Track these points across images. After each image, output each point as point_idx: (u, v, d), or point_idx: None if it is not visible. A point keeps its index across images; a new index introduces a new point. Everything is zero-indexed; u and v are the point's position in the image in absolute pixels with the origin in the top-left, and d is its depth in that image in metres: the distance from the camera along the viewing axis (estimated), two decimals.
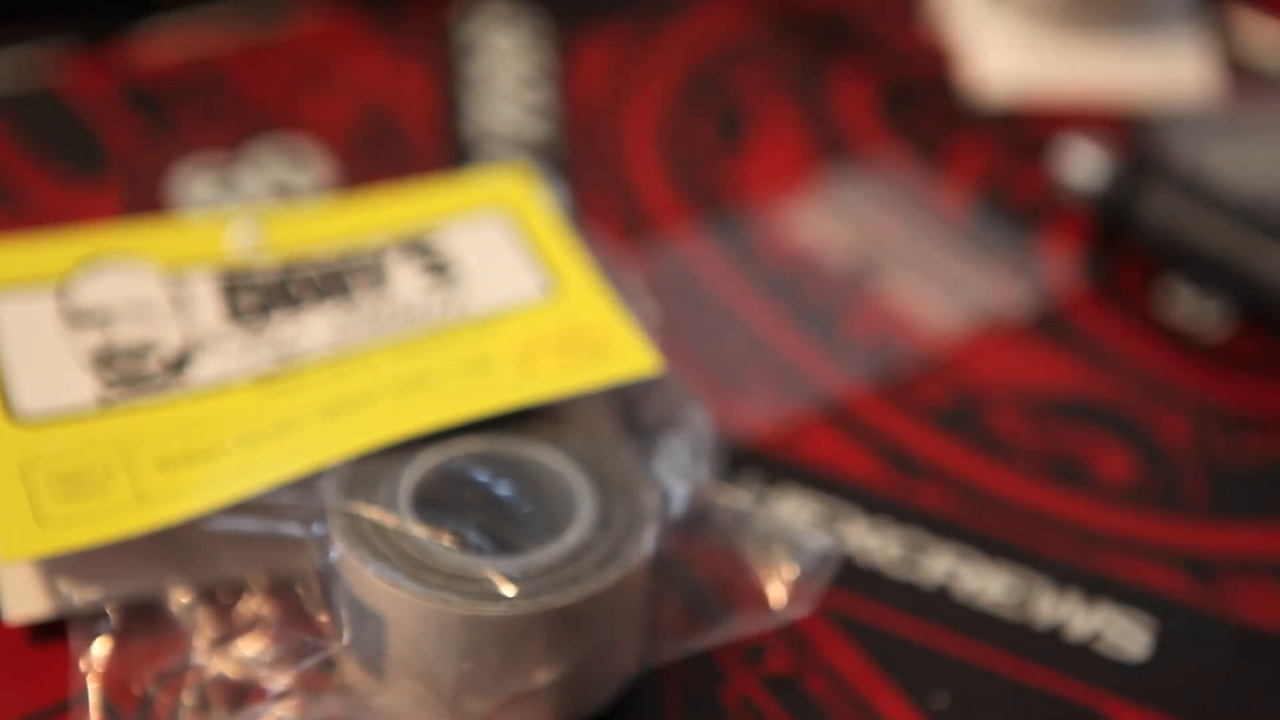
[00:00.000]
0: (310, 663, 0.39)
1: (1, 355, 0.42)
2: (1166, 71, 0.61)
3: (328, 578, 0.40)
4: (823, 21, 0.63)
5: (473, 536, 0.40)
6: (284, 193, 0.53)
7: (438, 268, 0.46)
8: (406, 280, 0.46)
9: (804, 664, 0.42)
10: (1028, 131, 0.59)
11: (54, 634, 0.40)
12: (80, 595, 0.40)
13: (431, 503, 0.40)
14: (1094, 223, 0.55)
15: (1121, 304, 0.53)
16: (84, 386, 0.42)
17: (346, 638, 0.39)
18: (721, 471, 0.45)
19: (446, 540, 0.39)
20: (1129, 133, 0.59)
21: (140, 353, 0.43)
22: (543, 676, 0.39)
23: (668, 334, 0.47)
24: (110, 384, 0.42)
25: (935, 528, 0.46)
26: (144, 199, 0.53)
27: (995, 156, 0.58)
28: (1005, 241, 0.55)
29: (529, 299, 0.45)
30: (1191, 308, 0.54)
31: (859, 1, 0.64)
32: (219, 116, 0.56)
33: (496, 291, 0.46)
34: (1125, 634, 0.44)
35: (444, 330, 0.44)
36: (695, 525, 0.43)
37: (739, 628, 0.42)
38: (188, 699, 0.39)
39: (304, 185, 0.54)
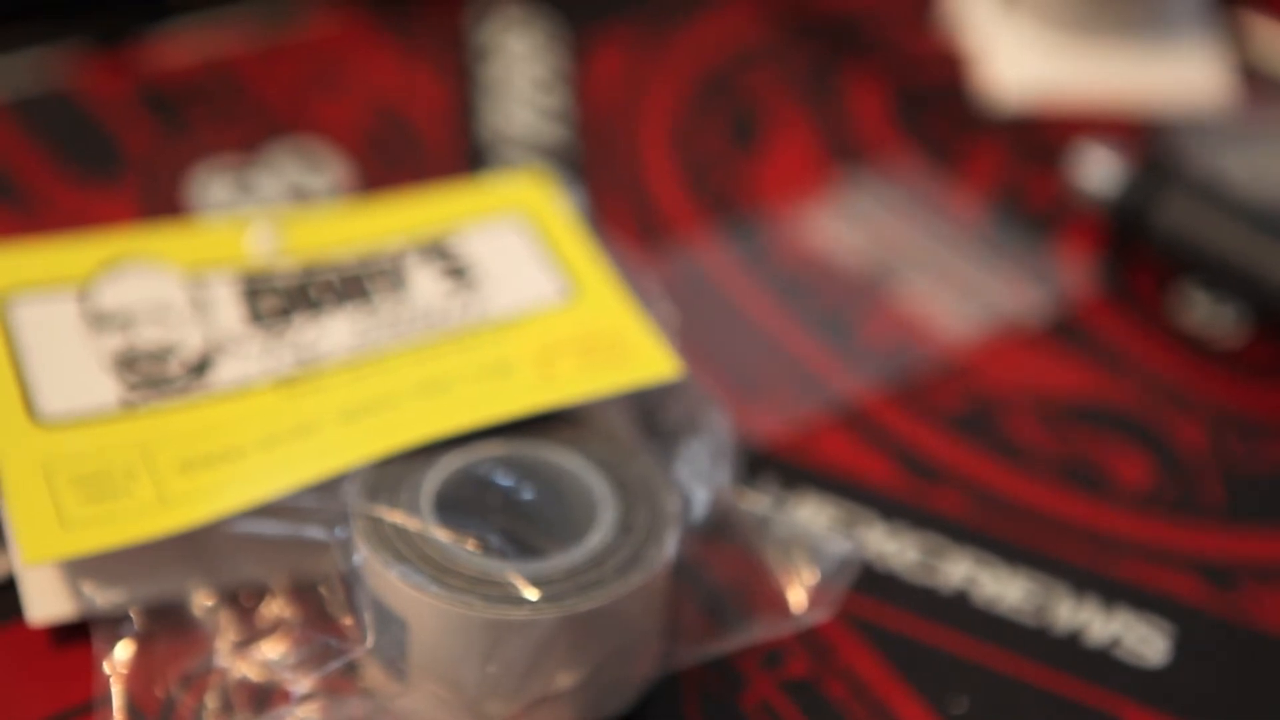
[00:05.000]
0: (333, 666, 0.39)
1: (24, 357, 0.43)
2: (1181, 77, 0.61)
3: (350, 581, 0.40)
4: (836, 26, 0.63)
5: (495, 540, 0.40)
6: (300, 195, 0.53)
7: (456, 271, 0.46)
8: (425, 284, 0.46)
9: (823, 669, 0.42)
10: (1042, 137, 0.59)
11: (77, 636, 0.41)
12: (103, 597, 0.40)
13: (454, 506, 0.40)
14: (1109, 228, 0.55)
15: (1137, 309, 0.54)
16: (106, 389, 0.42)
17: (369, 641, 0.39)
18: (740, 476, 0.45)
19: (469, 544, 0.40)
20: (1144, 138, 0.59)
21: (162, 355, 0.43)
22: (564, 680, 0.39)
23: (684, 337, 0.47)
24: (132, 386, 0.42)
25: (953, 533, 0.46)
26: (160, 201, 0.53)
27: (1009, 162, 0.58)
28: (1020, 247, 0.55)
29: (548, 303, 0.46)
30: (1206, 313, 0.54)
31: (872, 6, 0.64)
32: (234, 119, 0.56)
33: (515, 295, 0.46)
34: (1144, 640, 0.44)
35: (463, 334, 0.44)
36: (715, 529, 0.43)
37: (758, 632, 0.42)
38: (211, 701, 0.39)
39: (320, 188, 0.54)
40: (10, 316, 0.44)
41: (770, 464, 0.47)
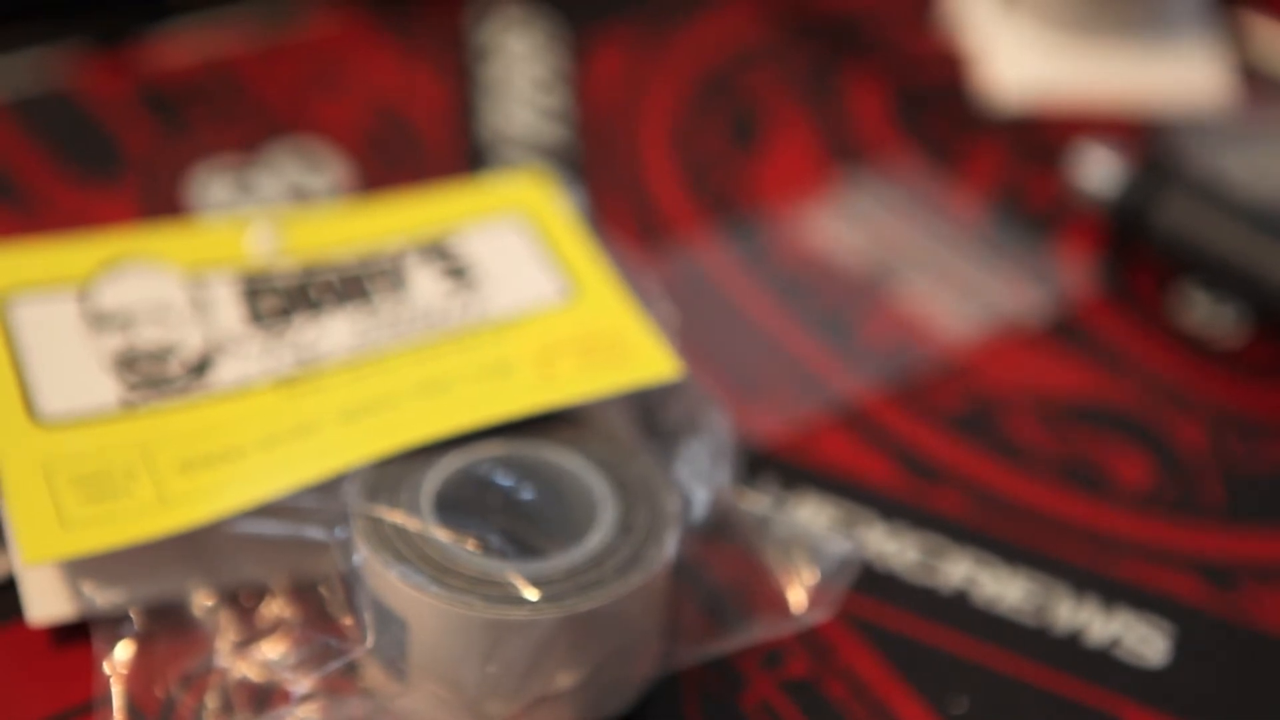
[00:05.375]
0: (333, 666, 0.39)
1: (24, 357, 0.43)
2: (1181, 77, 0.61)
3: (350, 581, 0.40)
4: (835, 26, 0.63)
5: (495, 540, 0.40)
6: (300, 195, 0.53)
7: (456, 271, 0.46)
8: (425, 284, 0.46)
9: (823, 669, 0.42)
10: (1042, 137, 0.59)
11: (77, 636, 0.41)
12: (103, 597, 0.40)
13: (454, 506, 0.40)
14: (1109, 228, 0.55)
15: (1137, 309, 0.54)
16: (106, 389, 0.42)
17: (369, 641, 0.39)
18: (740, 476, 0.45)
19: (469, 544, 0.40)
20: (1144, 138, 0.59)
21: (162, 355, 0.43)
22: (564, 680, 0.39)
23: (684, 337, 0.47)
24: (132, 386, 0.42)
25: (953, 533, 0.46)
26: (160, 201, 0.53)
27: (1010, 162, 0.58)
28: (1020, 247, 0.55)
29: (548, 303, 0.46)
30: (1206, 313, 0.54)
31: (872, 6, 0.64)
32: (234, 119, 0.56)
33: (515, 295, 0.46)
34: (1144, 640, 0.44)
35: (463, 334, 0.44)
36: (715, 529, 0.43)
37: (758, 632, 0.42)
38: (211, 701, 0.39)
39: (320, 188, 0.54)
40: (10, 316, 0.44)
41: (770, 464, 0.47)
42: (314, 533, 0.40)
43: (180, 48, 0.58)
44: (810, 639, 0.43)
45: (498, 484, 0.41)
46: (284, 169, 0.54)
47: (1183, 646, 0.44)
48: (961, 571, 0.45)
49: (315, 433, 0.42)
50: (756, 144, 0.58)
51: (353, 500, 0.40)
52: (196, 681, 0.40)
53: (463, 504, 0.41)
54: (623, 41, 0.61)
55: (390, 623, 0.39)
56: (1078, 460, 0.49)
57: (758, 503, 0.45)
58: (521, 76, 0.59)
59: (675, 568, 0.41)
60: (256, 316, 0.44)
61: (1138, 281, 0.55)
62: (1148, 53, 0.62)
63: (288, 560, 0.41)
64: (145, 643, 0.40)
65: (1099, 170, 0.55)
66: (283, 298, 0.45)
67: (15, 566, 0.40)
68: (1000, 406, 0.50)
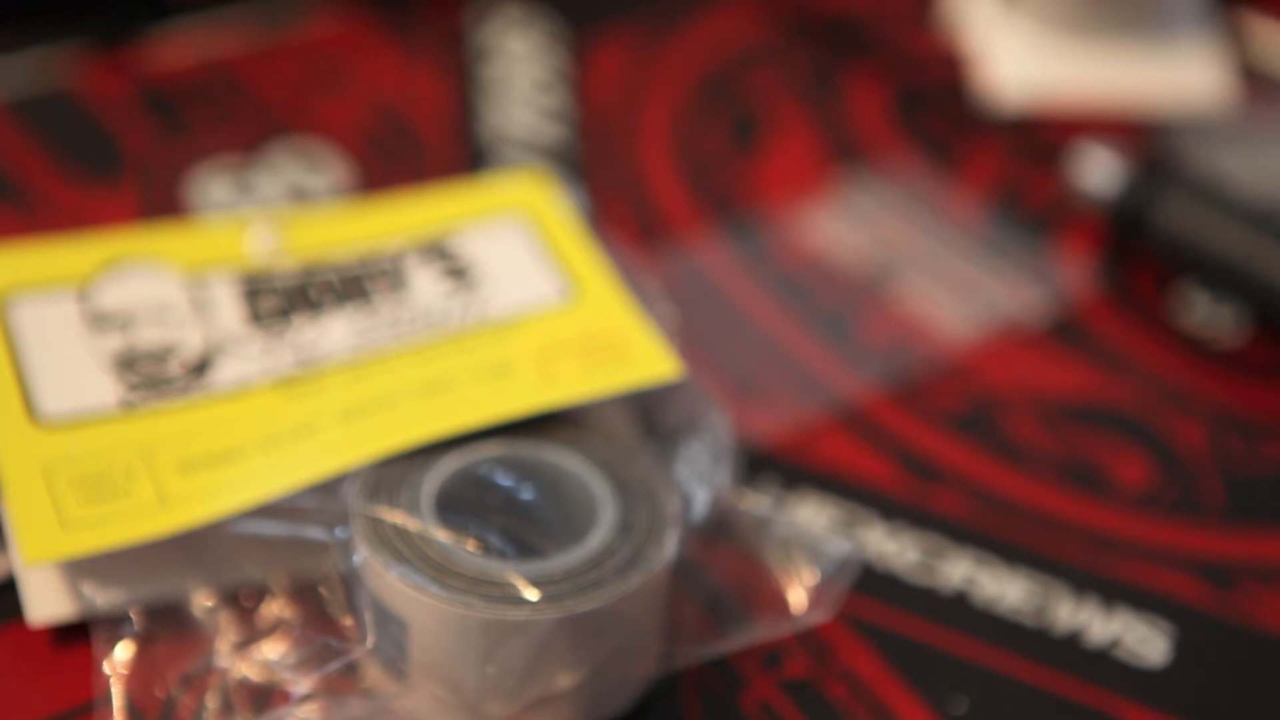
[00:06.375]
0: (333, 666, 0.39)
1: (24, 358, 0.43)
2: (1181, 77, 0.61)
3: (350, 581, 0.40)
4: (836, 26, 0.63)
5: (495, 540, 0.40)
6: (300, 196, 0.53)
7: (457, 272, 0.46)
8: (426, 284, 0.46)
9: (823, 669, 0.42)
10: (1042, 137, 0.59)
11: (77, 636, 0.41)
12: (103, 598, 0.40)
13: (454, 507, 0.40)
14: (1108, 228, 0.55)
15: (1136, 310, 0.54)
16: (106, 389, 0.42)
17: (369, 641, 0.39)
18: (740, 476, 0.45)
19: (469, 544, 0.40)
20: (1143, 138, 0.59)
21: (162, 355, 0.43)
22: (564, 680, 0.39)
23: (684, 337, 0.47)
24: (132, 387, 0.42)
25: (952, 533, 0.46)
26: (160, 202, 0.53)
27: (1009, 162, 0.58)
28: (1020, 247, 0.55)
29: (548, 303, 0.46)
30: (1206, 313, 0.54)
31: (872, 6, 0.64)
32: (234, 119, 0.56)
33: (516, 296, 0.46)
34: (1143, 640, 0.44)
35: (463, 334, 0.44)
36: (715, 530, 0.43)
37: (758, 632, 0.42)
38: (211, 701, 0.39)
39: (320, 188, 0.54)
40: (10, 316, 0.44)
41: (770, 464, 0.47)
42: (314, 533, 0.40)
43: (180, 48, 0.58)
44: (810, 639, 0.43)
45: (498, 484, 0.41)
46: (284, 169, 0.54)
47: (1182, 646, 0.44)
48: (961, 572, 0.45)
49: (315, 433, 0.42)
50: (757, 144, 0.58)
51: (353, 500, 0.40)
52: (196, 682, 0.40)
53: (463, 504, 0.41)
54: (623, 41, 0.61)
55: (390, 623, 0.39)
56: (1077, 460, 0.49)
57: (758, 503, 0.45)
58: (521, 76, 0.59)
59: (675, 568, 0.41)
60: (256, 317, 0.44)
61: (1138, 281, 0.55)
62: (1148, 53, 0.62)
63: (288, 560, 0.41)
64: (145, 643, 0.40)
65: (1099, 170, 0.55)
66: (283, 298, 0.45)
67: (15, 567, 0.40)
68: (1000, 407, 0.50)
